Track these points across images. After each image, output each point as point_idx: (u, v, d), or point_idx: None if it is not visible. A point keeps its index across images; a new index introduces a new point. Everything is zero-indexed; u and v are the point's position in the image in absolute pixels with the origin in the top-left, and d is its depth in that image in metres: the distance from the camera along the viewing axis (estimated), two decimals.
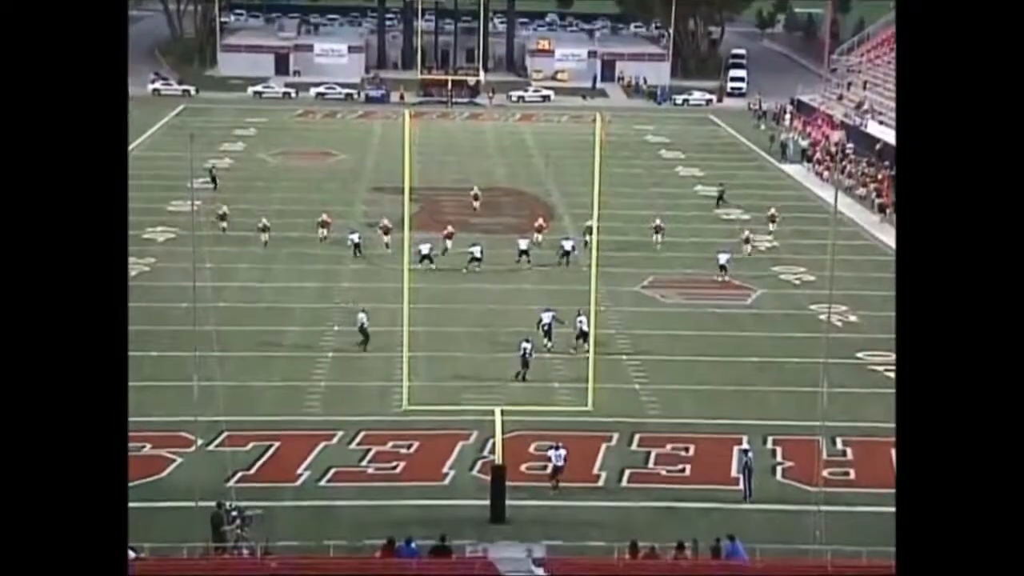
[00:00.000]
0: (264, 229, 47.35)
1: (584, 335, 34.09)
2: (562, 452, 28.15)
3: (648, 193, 59.58)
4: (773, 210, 52.98)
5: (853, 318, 40.51)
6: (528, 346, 34.36)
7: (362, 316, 36.99)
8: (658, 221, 50.12)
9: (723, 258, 44.54)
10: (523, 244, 45.91)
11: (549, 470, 28.15)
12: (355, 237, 45.71)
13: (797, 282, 45.06)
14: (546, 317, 37.08)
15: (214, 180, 57.21)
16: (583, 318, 35.59)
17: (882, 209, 55.18)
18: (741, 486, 27.78)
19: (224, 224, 48.89)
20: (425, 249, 44.06)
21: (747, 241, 48.07)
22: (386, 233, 46.49)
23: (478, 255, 44.68)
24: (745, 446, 29.11)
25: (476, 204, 53.59)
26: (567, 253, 45.23)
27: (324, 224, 48.29)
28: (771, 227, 51.66)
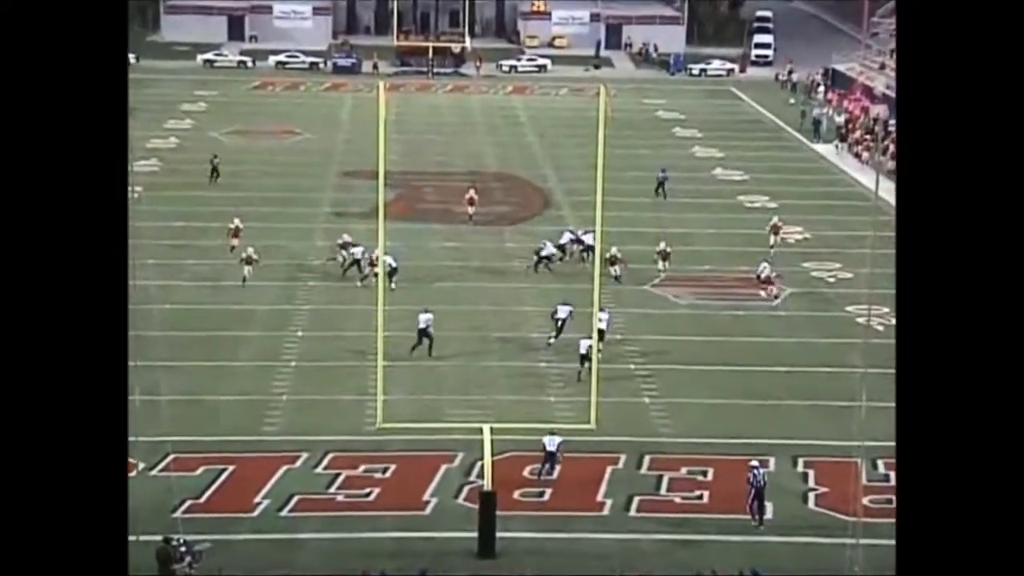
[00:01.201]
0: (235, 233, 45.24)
1: (600, 336, 33.99)
2: (556, 439, 29.55)
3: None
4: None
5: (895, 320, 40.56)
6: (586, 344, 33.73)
7: (426, 317, 36.94)
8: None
9: (764, 270, 43.84)
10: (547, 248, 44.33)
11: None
12: (357, 252, 42.75)
13: (831, 280, 45.17)
14: (563, 312, 36.99)
15: (215, 171, 55.05)
16: (604, 315, 36.16)
17: None
18: (750, 512, 27.97)
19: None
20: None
21: (775, 231, 48.10)
22: (344, 248, 43.30)
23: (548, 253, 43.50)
24: (754, 462, 29.01)
25: (472, 203, 50.33)
26: (542, 260, 43.77)
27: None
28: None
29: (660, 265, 44.51)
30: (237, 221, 45.79)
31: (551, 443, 29.63)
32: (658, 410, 33.68)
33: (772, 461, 30.74)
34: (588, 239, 44.82)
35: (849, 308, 41.91)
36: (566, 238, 45.41)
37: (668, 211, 53.02)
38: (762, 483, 28.07)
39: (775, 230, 47.58)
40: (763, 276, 43.76)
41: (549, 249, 44.15)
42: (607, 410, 31.17)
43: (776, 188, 57.62)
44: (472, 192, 50.88)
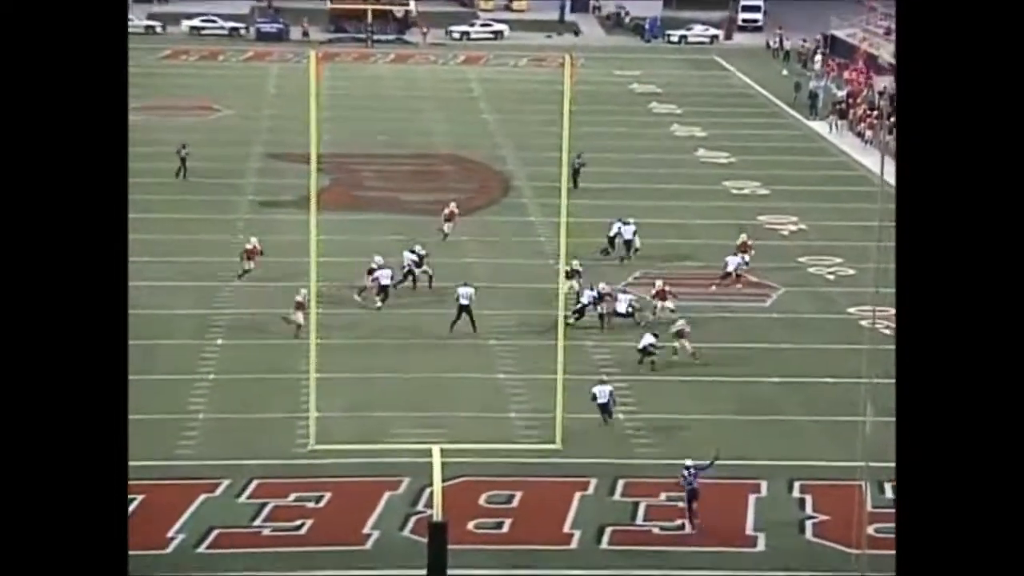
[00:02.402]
0: None
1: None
2: (607, 389, 33.05)
3: (634, 160, 59.97)
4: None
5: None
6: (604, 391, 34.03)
7: (466, 291, 38.45)
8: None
9: (732, 263, 43.91)
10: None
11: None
12: (384, 276, 41.34)
13: (831, 277, 45.50)
14: (602, 395, 34.43)
15: (184, 166, 53.98)
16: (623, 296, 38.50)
17: None
18: (684, 519, 28.81)
19: None
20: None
21: (743, 250, 47.69)
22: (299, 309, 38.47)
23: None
24: (688, 462, 29.33)
25: (451, 219, 47.68)
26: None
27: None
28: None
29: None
30: (254, 241, 43.56)
31: (602, 394, 31.46)
32: (635, 426, 33.77)
33: (764, 485, 30.96)
34: (627, 232, 45.60)
35: (851, 309, 42.21)
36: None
37: (586, 198, 53.14)
38: (694, 484, 28.80)
39: (743, 249, 45.13)
40: (732, 272, 43.87)
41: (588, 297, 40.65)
42: (575, 427, 31.21)
43: (767, 172, 58.00)
44: (453, 207, 48.36)
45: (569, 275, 39.06)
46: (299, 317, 38.03)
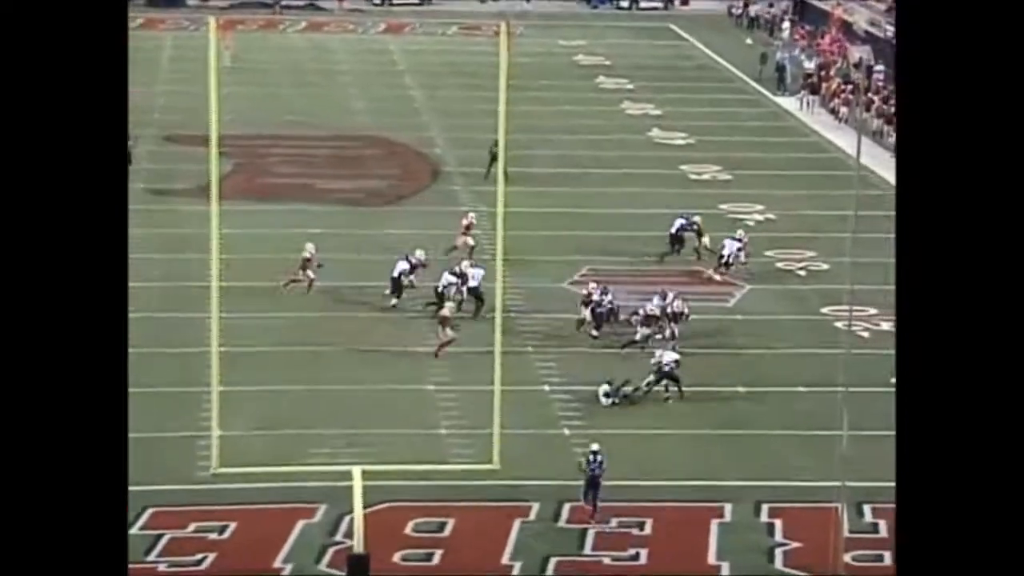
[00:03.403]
0: None
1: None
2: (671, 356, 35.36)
3: (579, 142, 60.12)
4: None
5: (886, 326, 41.16)
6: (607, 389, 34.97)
7: (477, 272, 39.87)
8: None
9: (729, 247, 44.30)
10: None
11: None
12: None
13: (802, 273, 45.70)
14: (598, 298, 37.82)
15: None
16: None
17: None
18: (585, 500, 30.04)
19: None
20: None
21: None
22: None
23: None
24: (595, 446, 30.49)
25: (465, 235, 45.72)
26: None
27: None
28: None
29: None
30: (310, 248, 42.77)
31: (667, 360, 35.17)
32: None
33: (728, 508, 31.08)
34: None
35: (825, 309, 42.44)
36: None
37: (527, 184, 53.11)
38: (597, 472, 29.76)
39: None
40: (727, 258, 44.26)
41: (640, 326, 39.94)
42: (515, 445, 31.25)
43: (729, 154, 58.17)
44: (472, 218, 46.24)
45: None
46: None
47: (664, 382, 36.24)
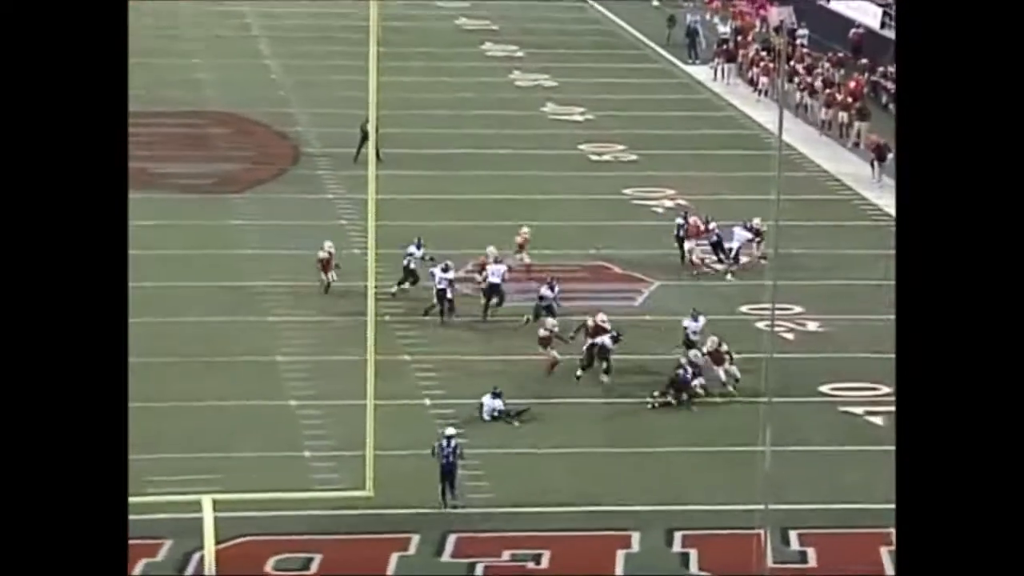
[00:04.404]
0: None
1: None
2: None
3: (462, 118, 60.16)
4: None
5: (814, 326, 41.38)
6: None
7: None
8: None
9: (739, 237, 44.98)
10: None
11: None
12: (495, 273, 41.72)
13: (719, 267, 45.84)
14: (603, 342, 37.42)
15: None
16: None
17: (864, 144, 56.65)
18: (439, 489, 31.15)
19: None
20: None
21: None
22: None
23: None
24: (450, 430, 31.62)
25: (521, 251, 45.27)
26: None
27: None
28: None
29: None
30: (328, 247, 42.96)
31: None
32: (472, 466, 33.66)
33: (636, 537, 31.03)
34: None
35: (745, 308, 42.65)
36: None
37: (400, 167, 53.05)
38: (451, 460, 30.90)
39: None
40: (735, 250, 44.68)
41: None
42: (391, 468, 31.14)
43: (634, 132, 58.43)
44: (525, 233, 45.40)
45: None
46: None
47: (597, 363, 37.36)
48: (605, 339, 37.55)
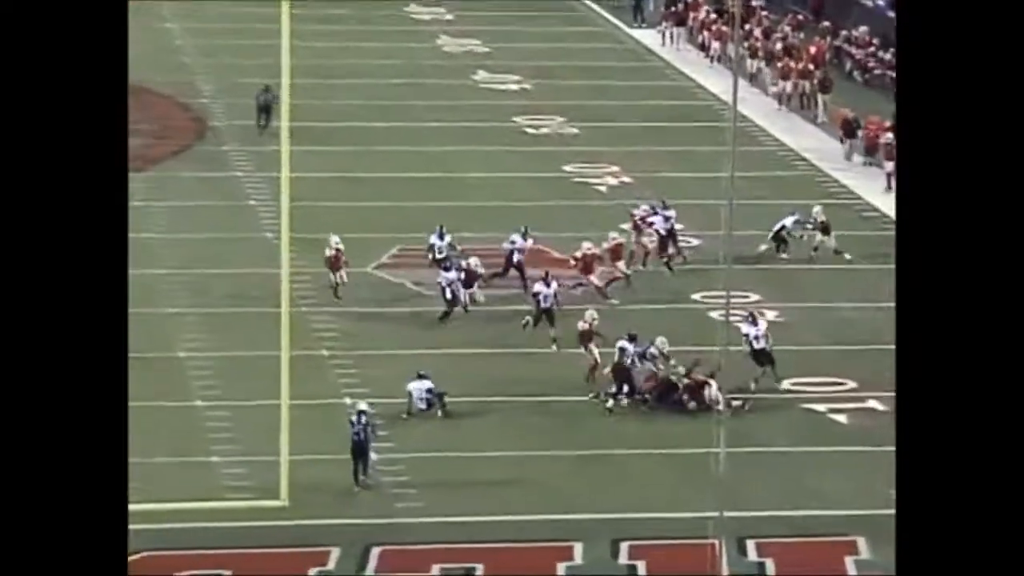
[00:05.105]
0: None
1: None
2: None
3: (384, 87, 60.22)
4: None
5: (772, 316, 41.39)
6: None
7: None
8: None
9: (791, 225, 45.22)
10: None
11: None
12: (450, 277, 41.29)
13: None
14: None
15: None
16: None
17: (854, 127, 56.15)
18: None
19: None
20: None
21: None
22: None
23: None
24: (362, 405, 32.25)
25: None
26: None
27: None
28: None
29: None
30: (336, 242, 42.27)
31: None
32: (396, 471, 33.76)
33: (579, 548, 31.02)
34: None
35: (697, 296, 42.71)
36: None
37: (314, 143, 53.00)
38: (363, 436, 31.51)
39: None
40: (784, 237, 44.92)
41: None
42: (308, 475, 31.12)
43: (574, 103, 58.45)
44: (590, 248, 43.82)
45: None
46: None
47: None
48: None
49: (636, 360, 36.44)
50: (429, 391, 35.49)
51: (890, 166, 48.86)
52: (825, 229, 45.36)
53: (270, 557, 30.49)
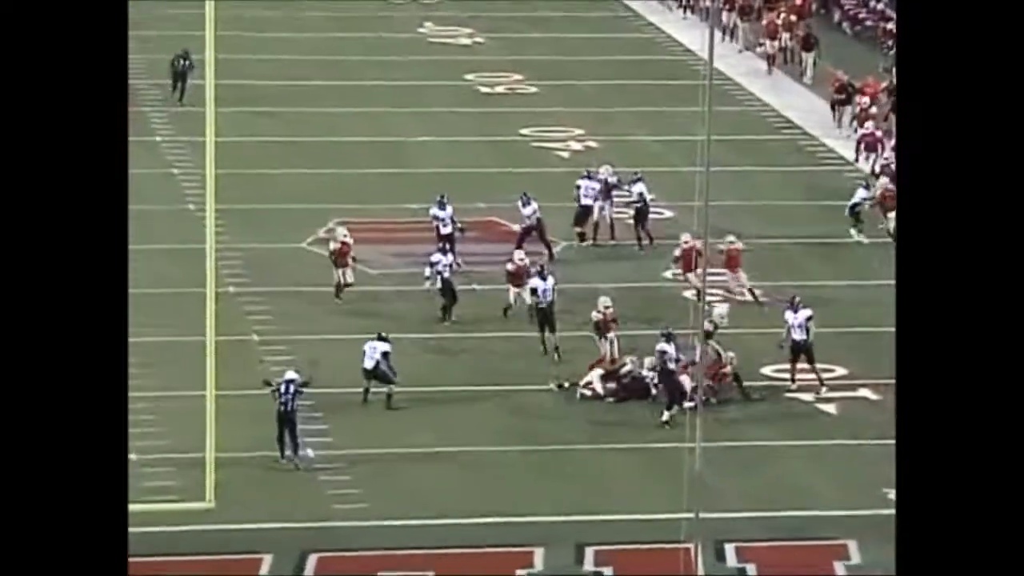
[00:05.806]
0: None
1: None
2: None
3: (321, 41, 60.44)
4: None
5: (750, 293, 41.45)
6: None
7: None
8: None
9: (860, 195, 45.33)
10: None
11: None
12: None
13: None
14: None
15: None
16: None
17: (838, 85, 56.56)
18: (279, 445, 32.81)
19: None
20: None
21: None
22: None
23: None
24: (291, 374, 33.02)
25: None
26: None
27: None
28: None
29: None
30: (343, 234, 42.39)
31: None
32: (336, 470, 33.79)
33: (540, 553, 31.13)
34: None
35: (669, 273, 42.85)
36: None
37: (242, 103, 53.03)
38: (291, 407, 33.01)
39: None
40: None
41: None
42: (238, 475, 31.12)
43: (532, 58, 58.99)
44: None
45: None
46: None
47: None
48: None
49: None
50: (385, 355, 35.83)
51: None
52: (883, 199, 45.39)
53: (196, 564, 30.59)
